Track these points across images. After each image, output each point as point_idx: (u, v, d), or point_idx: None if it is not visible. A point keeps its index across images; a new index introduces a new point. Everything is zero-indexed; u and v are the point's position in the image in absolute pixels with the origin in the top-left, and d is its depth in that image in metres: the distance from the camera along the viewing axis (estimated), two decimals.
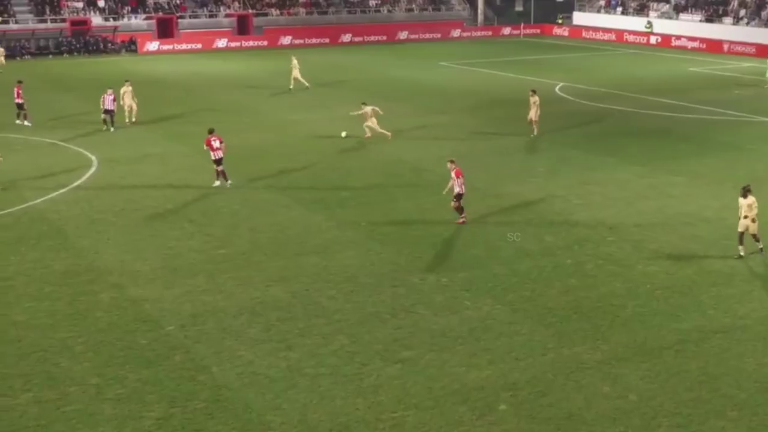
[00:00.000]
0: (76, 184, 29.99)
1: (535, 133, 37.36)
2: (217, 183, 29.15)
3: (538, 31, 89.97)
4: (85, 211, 26.67)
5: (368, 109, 36.37)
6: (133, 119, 40.34)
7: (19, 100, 40.93)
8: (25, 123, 40.69)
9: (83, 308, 19.32)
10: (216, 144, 28.79)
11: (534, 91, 38.03)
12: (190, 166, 31.80)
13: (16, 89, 41.23)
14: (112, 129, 38.79)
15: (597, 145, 36.03)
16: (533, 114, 37.27)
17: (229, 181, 29.17)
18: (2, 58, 62.84)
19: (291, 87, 51.28)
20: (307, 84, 51.24)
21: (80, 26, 74.65)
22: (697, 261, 22.28)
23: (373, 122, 36.23)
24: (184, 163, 32.67)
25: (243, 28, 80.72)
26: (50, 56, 71.66)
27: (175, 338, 17.81)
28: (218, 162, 28.95)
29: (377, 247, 23.30)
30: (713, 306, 19.43)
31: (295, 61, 52.20)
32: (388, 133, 36.40)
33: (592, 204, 27.34)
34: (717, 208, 26.49)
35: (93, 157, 33.77)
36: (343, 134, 36.96)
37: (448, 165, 25.53)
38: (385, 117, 36.63)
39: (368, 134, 36.42)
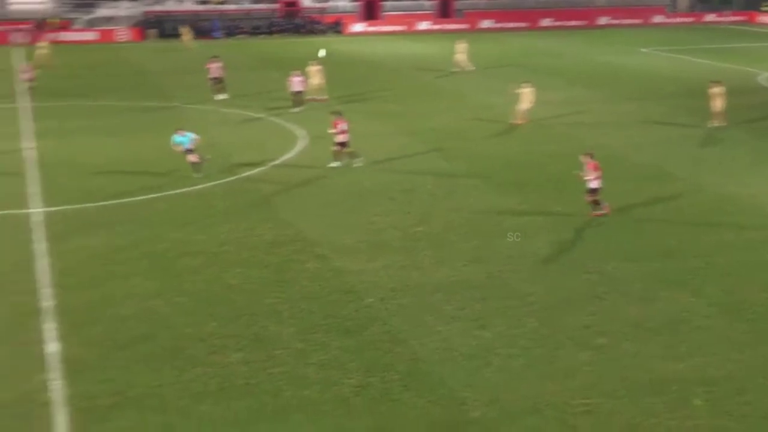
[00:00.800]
0: (285, 157, 31.52)
1: (721, 121, 35.97)
2: (336, 163, 29.66)
3: (743, 18, 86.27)
4: (293, 184, 28.00)
5: (528, 89, 36.40)
6: (316, 96, 41.20)
7: (216, 75, 43.01)
8: (220, 97, 42.75)
9: (289, 277, 20.43)
10: (344, 126, 29.25)
11: (717, 82, 36.58)
12: (391, 145, 32.71)
13: (212, 64, 43.24)
14: (296, 109, 39.62)
15: None
16: (718, 104, 35.86)
17: (360, 158, 29.83)
18: (190, 36, 66.06)
19: (456, 69, 52.51)
20: (471, 66, 52.63)
21: (291, 8, 77.92)
22: None
23: (525, 103, 36.46)
24: (384, 142, 33.61)
25: (445, 11, 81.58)
26: (262, 36, 75.10)
27: (374, 310, 18.58)
28: (343, 144, 29.46)
29: (570, 233, 23.31)
30: None
31: (462, 46, 53.26)
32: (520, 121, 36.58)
33: None
34: None
35: (301, 133, 35.30)
36: (321, 53, 37.15)
37: (583, 158, 24.56)
38: (582, 103, 36.18)
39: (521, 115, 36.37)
